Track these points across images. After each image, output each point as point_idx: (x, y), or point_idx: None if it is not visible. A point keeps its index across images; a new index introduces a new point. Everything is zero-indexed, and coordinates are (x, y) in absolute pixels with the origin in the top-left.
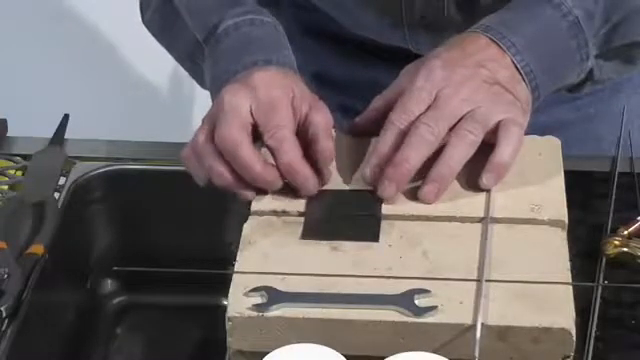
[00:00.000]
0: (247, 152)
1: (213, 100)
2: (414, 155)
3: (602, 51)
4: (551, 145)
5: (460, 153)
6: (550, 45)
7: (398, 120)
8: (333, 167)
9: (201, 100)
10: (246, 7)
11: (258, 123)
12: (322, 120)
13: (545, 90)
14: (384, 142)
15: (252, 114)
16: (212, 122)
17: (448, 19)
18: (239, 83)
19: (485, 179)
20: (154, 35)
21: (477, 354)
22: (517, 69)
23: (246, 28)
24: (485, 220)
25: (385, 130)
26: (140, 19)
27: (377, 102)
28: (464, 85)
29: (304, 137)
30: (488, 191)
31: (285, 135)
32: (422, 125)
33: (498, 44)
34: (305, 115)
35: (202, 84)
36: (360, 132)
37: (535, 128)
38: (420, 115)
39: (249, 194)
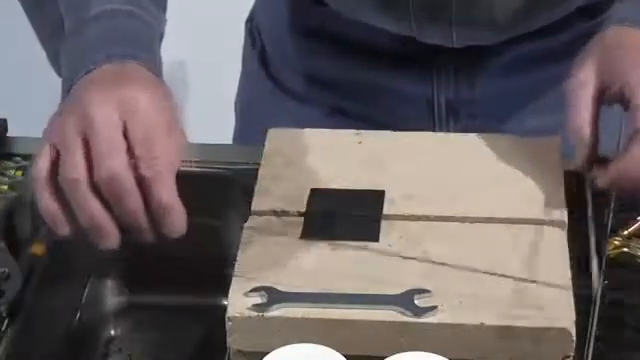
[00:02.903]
0: (137, 198)
1: (66, 90)
2: None
3: None
4: (551, 145)
5: None
6: None
7: None
8: (334, 166)
9: (198, 100)
10: None
11: (134, 151)
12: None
13: None
14: None
15: (126, 135)
16: (79, 135)
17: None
18: (109, 94)
19: None
20: (25, 11)
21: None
22: None
23: (121, 19)
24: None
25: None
26: None
27: None
28: None
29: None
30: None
31: (162, 169)
32: None
33: None
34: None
35: (59, 70)
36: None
37: (536, 130)
38: None
39: (114, 242)
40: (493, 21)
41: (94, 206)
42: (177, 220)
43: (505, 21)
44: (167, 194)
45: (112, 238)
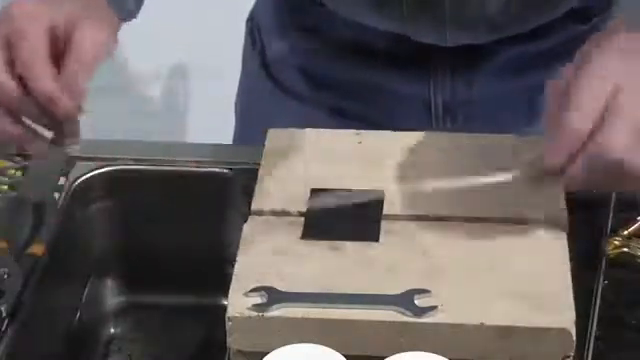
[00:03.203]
0: (11, 89)
1: None
2: None
3: None
4: None
5: None
6: None
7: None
8: (334, 166)
9: (199, 100)
10: None
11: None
12: (80, 40)
13: None
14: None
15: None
16: None
17: None
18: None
19: None
20: None
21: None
22: None
23: None
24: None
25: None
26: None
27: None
28: None
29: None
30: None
31: (34, 61)
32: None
33: None
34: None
35: None
36: None
37: (532, 132)
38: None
39: (33, 146)
40: (486, 20)
41: None
42: (61, 105)
43: (498, 20)
44: (40, 84)
45: (27, 141)
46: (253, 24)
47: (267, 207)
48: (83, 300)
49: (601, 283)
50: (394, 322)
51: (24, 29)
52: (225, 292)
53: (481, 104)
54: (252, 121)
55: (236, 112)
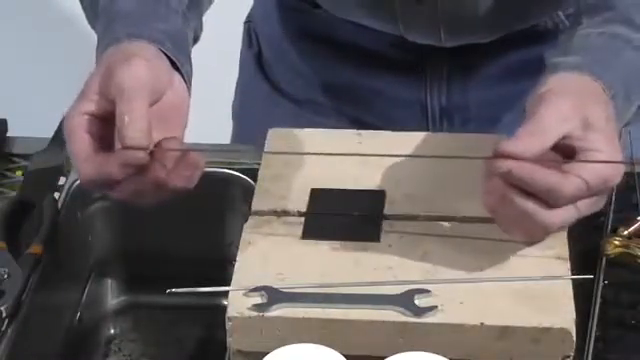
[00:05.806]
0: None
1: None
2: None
3: None
4: None
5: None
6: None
7: None
8: (334, 166)
9: (197, 100)
10: None
11: None
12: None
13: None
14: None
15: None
16: None
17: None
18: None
19: None
20: None
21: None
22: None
23: None
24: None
25: None
26: None
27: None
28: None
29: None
30: None
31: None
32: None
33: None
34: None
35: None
36: None
37: None
38: None
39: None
40: (480, 19)
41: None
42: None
43: (491, 17)
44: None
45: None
46: (250, 26)
47: (267, 207)
48: (83, 300)
49: (601, 283)
50: (394, 322)
51: (72, 138)
52: (225, 292)
53: (477, 108)
54: (249, 123)
55: (233, 114)
